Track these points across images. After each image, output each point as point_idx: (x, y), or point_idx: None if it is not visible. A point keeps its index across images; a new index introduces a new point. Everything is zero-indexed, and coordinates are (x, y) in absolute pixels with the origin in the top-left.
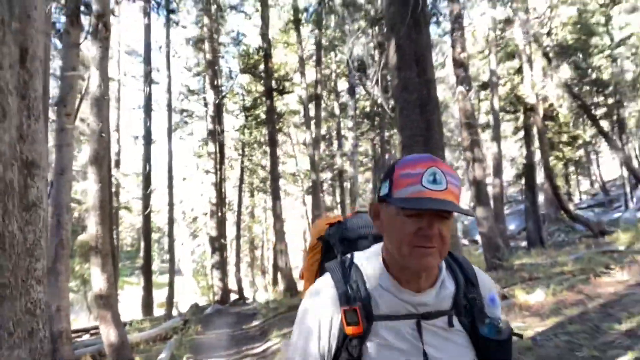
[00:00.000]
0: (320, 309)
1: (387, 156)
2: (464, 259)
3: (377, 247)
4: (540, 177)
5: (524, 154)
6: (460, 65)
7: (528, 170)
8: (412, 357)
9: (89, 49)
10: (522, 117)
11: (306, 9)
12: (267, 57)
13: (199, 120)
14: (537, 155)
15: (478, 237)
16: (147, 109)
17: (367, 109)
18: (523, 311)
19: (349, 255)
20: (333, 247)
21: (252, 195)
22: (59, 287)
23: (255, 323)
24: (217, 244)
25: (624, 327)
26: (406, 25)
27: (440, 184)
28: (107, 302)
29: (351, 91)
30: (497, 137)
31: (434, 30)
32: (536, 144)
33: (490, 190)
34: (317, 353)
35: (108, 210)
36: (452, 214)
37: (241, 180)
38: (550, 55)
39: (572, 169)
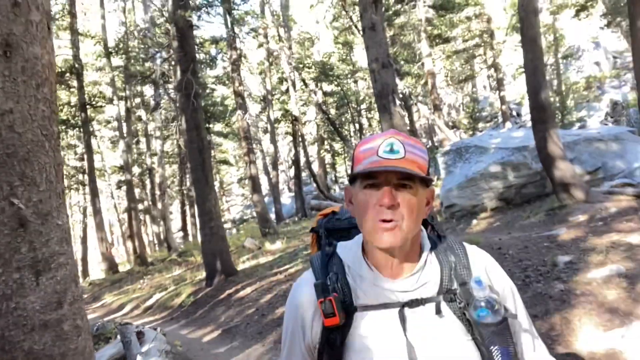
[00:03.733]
0: (302, 304)
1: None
2: (454, 239)
3: (359, 236)
4: (314, 167)
5: (293, 152)
6: (238, 95)
7: (295, 164)
8: (394, 347)
9: None
10: (290, 126)
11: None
12: (80, 75)
13: None
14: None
15: None
16: None
17: (172, 115)
18: (267, 254)
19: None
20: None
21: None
22: None
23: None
24: None
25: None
26: (190, 110)
27: (397, 153)
28: None
29: (156, 107)
30: (273, 140)
31: (216, 71)
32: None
33: (266, 181)
34: (302, 349)
35: None
36: (416, 185)
37: None
38: (307, 82)
39: (337, 158)
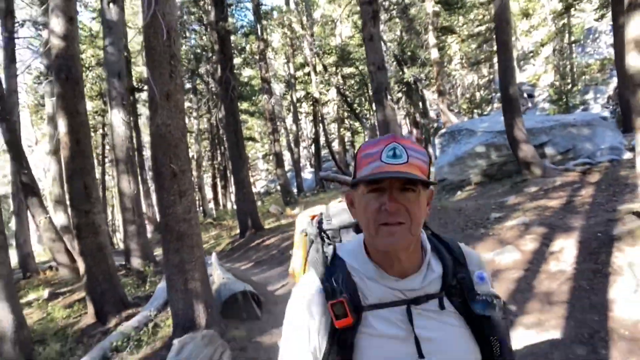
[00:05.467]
0: (307, 308)
1: (221, 132)
2: (450, 239)
3: (360, 237)
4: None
5: (313, 131)
6: (264, 80)
7: (315, 142)
8: (404, 343)
9: None
10: (311, 107)
11: None
12: (128, 63)
13: None
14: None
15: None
16: None
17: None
18: (288, 217)
19: (332, 248)
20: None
21: None
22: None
23: None
24: None
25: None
26: (228, 100)
27: (401, 158)
28: None
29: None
30: (295, 120)
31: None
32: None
33: (289, 157)
34: (308, 353)
35: None
36: (418, 188)
37: None
38: (327, 66)
39: (356, 137)
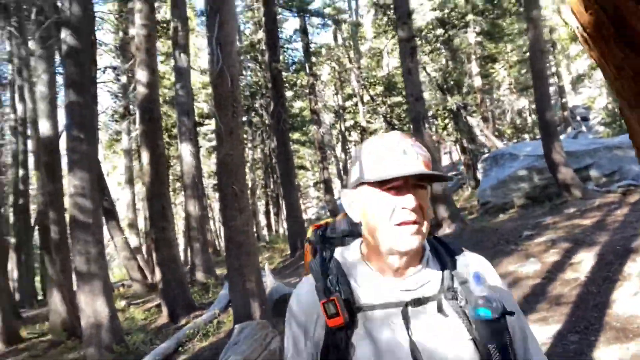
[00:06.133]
0: (303, 308)
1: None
2: (451, 241)
3: (357, 241)
4: None
5: None
6: (314, 112)
7: None
8: (399, 345)
9: None
10: (359, 135)
11: None
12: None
13: None
14: None
15: None
16: None
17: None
18: None
19: (330, 251)
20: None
21: None
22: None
23: None
24: None
25: None
26: (279, 132)
27: (412, 155)
28: None
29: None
30: (344, 149)
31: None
32: None
33: (339, 184)
34: (305, 353)
35: None
36: (426, 185)
37: None
38: (374, 96)
39: None
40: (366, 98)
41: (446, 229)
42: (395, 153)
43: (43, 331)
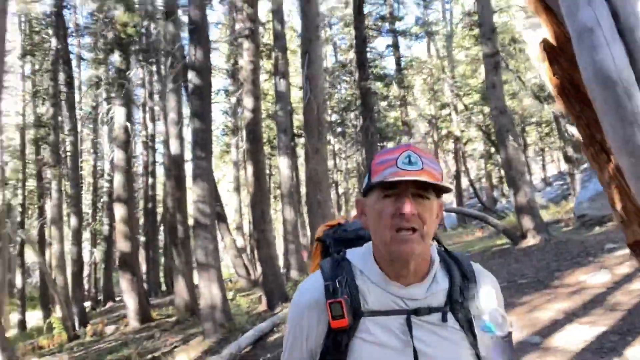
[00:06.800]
0: (308, 305)
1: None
2: (461, 255)
3: (369, 244)
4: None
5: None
6: (404, 123)
7: (456, 179)
8: (401, 353)
9: None
10: (452, 145)
11: None
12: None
13: None
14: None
15: None
16: None
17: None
18: None
19: (342, 252)
20: (329, 248)
21: None
22: None
23: None
24: None
25: None
26: (369, 144)
27: (416, 165)
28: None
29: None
30: (436, 158)
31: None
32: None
33: None
34: (305, 350)
35: None
36: (431, 195)
37: None
38: (468, 106)
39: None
40: (460, 107)
41: (530, 240)
42: (400, 161)
43: (169, 313)
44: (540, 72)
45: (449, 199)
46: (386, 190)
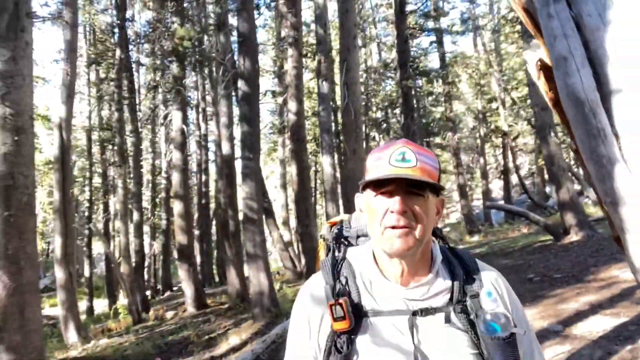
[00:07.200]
0: (310, 306)
1: None
2: (466, 253)
3: (370, 243)
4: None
5: (502, 162)
6: (448, 119)
7: (504, 174)
8: (403, 354)
9: None
10: (500, 140)
11: None
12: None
13: None
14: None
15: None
16: None
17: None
18: (465, 243)
19: (342, 251)
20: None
21: None
22: None
23: None
24: None
25: None
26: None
27: (409, 162)
28: None
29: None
30: (482, 153)
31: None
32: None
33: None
34: (307, 352)
35: None
36: (426, 193)
37: None
38: (516, 100)
39: None
40: (508, 101)
41: (573, 237)
42: (394, 158)
43: (222, 301)
44: (539, 86)
45: (498, 194)
46: (379, 188)
